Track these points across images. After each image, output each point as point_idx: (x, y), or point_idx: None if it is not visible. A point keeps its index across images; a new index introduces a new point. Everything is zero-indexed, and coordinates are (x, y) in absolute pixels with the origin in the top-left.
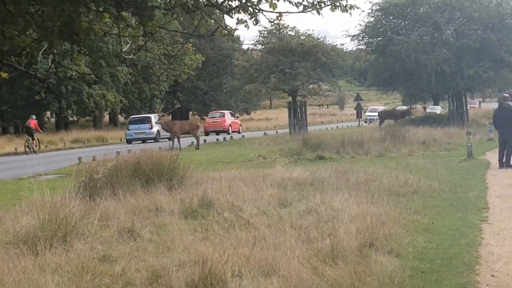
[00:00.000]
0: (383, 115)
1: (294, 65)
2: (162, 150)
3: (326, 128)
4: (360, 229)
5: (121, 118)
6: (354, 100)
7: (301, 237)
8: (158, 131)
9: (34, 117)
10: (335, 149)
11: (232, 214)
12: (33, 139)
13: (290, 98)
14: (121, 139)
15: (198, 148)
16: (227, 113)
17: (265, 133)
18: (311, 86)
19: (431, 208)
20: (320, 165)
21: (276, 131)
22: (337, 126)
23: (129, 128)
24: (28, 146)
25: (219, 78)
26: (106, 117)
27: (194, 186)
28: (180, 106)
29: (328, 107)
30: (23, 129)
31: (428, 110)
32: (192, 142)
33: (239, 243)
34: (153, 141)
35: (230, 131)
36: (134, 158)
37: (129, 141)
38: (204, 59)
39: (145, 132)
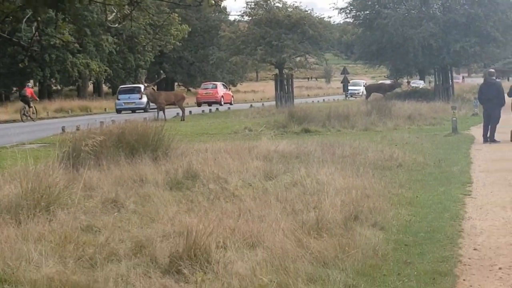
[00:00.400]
0: (370, 89)
1: (281, 37)
2: (147, 121)
3: (313, 101)
4: (345, 202)
5: (105, 88)
6: (341, 74)
7: (286, 209)
8: (148, 101)
9: (30, 85)
10: (321, 123)
11: (217, 186)
12: (29, 106)
13: (276, 71)
14: (105, 109)
15: (184, 120)
16: (219, 84)
17: (251, 105)
18: (297, 58)
19: (416, 182)
20: (306, 138)
21: (263, 104)
22: (324, 100)
23: (118, 97)
24: (24, 114)
25: (205, 49)
26: (90, 87)
27: (179, 158)
28: (165, 76)
29: (316, 80)
30: (20, 97)
31: (412, 85)
32: (178, 114)
33: (224, 214)
34: (143, 111)
35: (222, 103)
36: (118, 128)
37: (118, 111)
38: (190, 29)
39: (134, 102)
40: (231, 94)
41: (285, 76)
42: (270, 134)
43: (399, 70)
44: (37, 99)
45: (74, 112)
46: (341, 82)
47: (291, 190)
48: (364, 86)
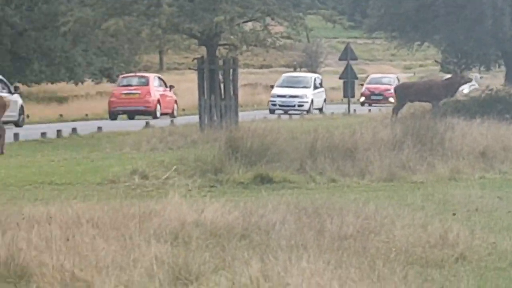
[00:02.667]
0: (406, 92)
1: None
2: None
3: (279, 116)
4: None
5: None
6: (340, 59)
7: None
8: None
9: None
10: (297, 164)
11: None
12: None
13: (203, 51)
14: None
15: (2, 152)
16: (152, 77)
17: (147, 123)
18: (248, 26)
19: None
20: (264, 195)
21: (171, 120)
22: (302, 113)
23: None
24: None
25: (52, 4)
26: None
27: None
28: None
29: (295, 70)
30: None
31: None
32: None
33: None
34: None
35: (158, 113)
36: None
37: None
38: None
39: None
40: (174, 97)
41: (221, 62)
42: (187, 186)
43: (463, 53)
44: None
45: None
46: (340, 77)
47: None
48: (394, 84)
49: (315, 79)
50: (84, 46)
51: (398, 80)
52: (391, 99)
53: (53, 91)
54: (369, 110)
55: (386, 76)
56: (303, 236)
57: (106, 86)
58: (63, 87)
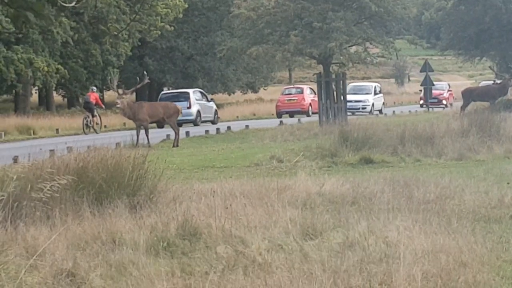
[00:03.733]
0: (470, 95)
1: (328, 17)
2: (121, 148)
3: (377, 114)
4: (429, 274)
5: (57, 98)
6: (421, 71)
7: (337, 286)
8: (198, 111)
9: (94, 88)
10: (391, 148)
11: (231, 250)
12: (93, 115)
13: (320, 68)
14: (57, 129)
15: (177, 145)
16: (305, 88)
17: (281, 121)
18: (353, 49)
19: None
20: (368, 172)
21: (299, 120)
22: (394, 112)
23: None
24: (87, 124)
25: (210, 36)
26: (35, 96)
27: (171, 205)
28: (149, 79)
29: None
30: (83, 104)
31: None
32: (169, 136)
33: None
34: (192, 124)
35: (310, 112)
36: (78, 161)
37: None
38: (187, 5)
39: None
40: None
41: (334, 76)
42: (311, 167)
43: None
44: (103, 106)
45: (10, 135)
46: (421, 85)
47: (345, 255)
48: (446, 90)
49: (375, 87)
50: (234, 67)
51: (449, 87)
52: (444, 102)
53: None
54: (428, 110)
55: (439, 84)
56: (397, 201)
57: (251, 95)
58: (219, 97)
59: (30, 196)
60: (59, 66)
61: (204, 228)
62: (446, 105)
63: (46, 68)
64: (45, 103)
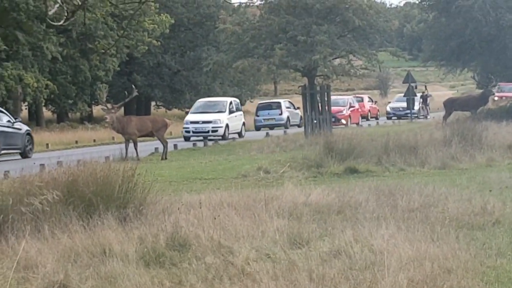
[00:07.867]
0: (452, 104)
1: (312, 30)
2: (110, 161)
3: (360, 125)
4: (414, 281)
5: (47, 113)
6: (403, 82)
7: None
8: (288, 116)
9: None
10: (375, 158)
11: (219, 259)
12: None
13: (305, 80)
14: (47, 144)
15: (166, 158)
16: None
17: (267, 133)
18: (337, 61)
19: None
20: (353, 182)
21: (284, 131)
22: (377, 122)
23: (257, 114)
24: None
25: (197, 51)
26: (25, 111)
27: (160, 217)
28: (137, 93)
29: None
30: None
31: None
32: (157, 149)
33: None
34: (283, 127)
35: (369, 117)
36: (67, 175)
37: (257, 128)
38: (173, 21)
39: (274, 118)
40: (377, 108)
41: (318, 88)
42: (298, 177)
43: (492, 75)
44: None
45: None
46: (404, 95)
47: (332, 263)
48: (348, 107)
49: (231, 102)
50: (221, 80)
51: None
52: (343, 121)
53: None
54: (411, 120)
55: (340, 98)
56: (382, 210)
57: None
58: None
59: (20, 210)
60: (49, 82)
61: (193, 239)
62: (346, 124)
63: (35, 84)
64: (35, 118)
